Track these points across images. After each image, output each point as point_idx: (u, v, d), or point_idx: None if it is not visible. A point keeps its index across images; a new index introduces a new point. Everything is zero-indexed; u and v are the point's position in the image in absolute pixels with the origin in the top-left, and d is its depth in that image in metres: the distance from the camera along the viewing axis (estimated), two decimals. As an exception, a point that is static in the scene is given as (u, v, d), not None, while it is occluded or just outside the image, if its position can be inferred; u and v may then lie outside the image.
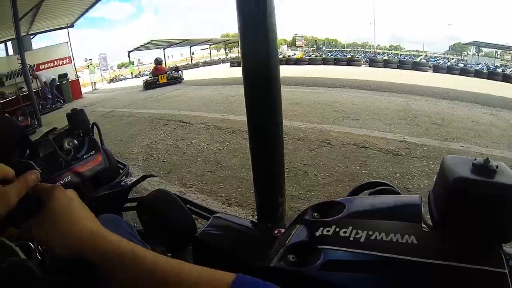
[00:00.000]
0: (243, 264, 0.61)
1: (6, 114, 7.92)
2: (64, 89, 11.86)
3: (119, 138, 5.17)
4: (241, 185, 2.95)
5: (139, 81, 13.86)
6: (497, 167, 0.46)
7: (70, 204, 0.46)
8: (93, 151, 1.97)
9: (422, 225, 0.52)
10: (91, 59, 21.48)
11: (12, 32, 9.51)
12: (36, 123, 7.98)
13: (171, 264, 0.41)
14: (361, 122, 4.73)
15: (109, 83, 21.96)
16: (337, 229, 0.52)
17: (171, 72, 12.57)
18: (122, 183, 1.89)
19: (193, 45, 29.05)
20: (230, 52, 34.43)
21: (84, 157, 1.91)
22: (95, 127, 2.22)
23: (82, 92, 13.44)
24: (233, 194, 2.79)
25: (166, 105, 7.78)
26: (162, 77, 11.81)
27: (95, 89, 17.09)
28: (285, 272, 0.50)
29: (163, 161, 3.89)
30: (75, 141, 1.98)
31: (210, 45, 31.37)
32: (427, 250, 0.46)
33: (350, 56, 19.44)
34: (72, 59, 13.07)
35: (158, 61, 12.73)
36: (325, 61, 16.32)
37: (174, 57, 31.88)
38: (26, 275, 0.57)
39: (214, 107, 6.72)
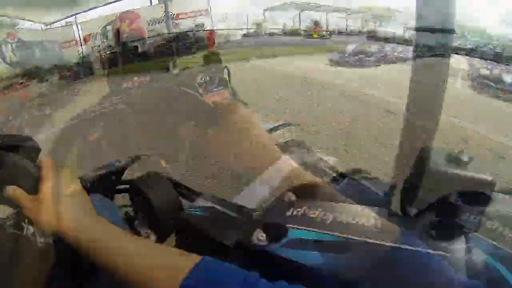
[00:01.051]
0: (220, 246, 0.61)
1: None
2: (199, 37, 13.06)
3: (248, 88, 4.70)
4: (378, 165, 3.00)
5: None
6: (470, 159, 0.47)
7: (252, 117, 0.53)
8: (222, 87, 2.25)
9: (392, 210, 0.54)
10: (226, 13, 22.95)
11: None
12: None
13: (142, 248, 0.43)
14: (503, 129, 4.10)
15: (243, 37, 23.32)
16: (307, 210, 0.54)
17: (320, 32, 15.70)
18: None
19: (329, 12, 27.52)
20: (366, 24, 31.38)
21: (213, 90, 2.19)
22: (226, 70, 2.47)
23: (216, 42, 14.47)
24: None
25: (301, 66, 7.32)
26: (314, 34, 14.81)
27: (228, 41, 18.46)
28: (250, 249, 0.52)
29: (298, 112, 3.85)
30: (207, 77, 2.26)
31: (348, 14, 29.16)
32: (388, 234, 0.48)
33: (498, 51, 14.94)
34: (209, 10, 14.03)
35: (316, 23, 16.83)
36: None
37: (306, 21, 31.06)
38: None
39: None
